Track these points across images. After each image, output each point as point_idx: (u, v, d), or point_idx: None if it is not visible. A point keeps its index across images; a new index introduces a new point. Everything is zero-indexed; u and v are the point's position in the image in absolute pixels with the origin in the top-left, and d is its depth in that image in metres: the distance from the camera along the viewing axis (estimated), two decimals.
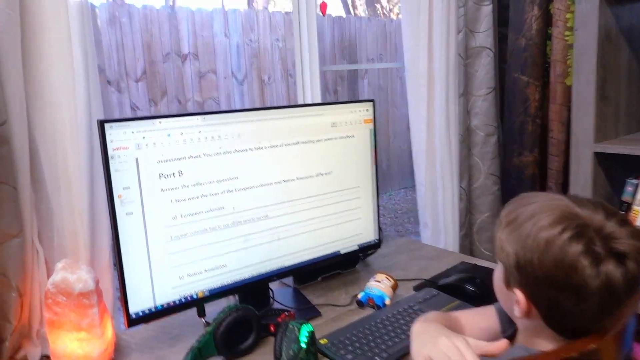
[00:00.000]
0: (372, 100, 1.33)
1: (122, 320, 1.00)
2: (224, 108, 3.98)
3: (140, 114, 3.68)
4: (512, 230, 0.72)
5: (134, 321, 1.00)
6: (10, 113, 0.96)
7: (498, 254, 0.75)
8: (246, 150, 1.11)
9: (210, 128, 1.05)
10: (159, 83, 3.77)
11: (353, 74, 4.90)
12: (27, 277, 1.02)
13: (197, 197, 1.05)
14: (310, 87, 1.67)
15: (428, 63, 1.69)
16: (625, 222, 0.68)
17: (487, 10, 1.74)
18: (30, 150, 1.01)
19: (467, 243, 1.96)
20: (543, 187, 1.75)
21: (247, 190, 1.12)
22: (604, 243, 0.65)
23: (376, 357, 0.98)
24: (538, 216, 0.70)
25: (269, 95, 4.35)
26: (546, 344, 0.74)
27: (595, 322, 0.69)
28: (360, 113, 1.30)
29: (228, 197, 1.09)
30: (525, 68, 1.66)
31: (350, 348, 1.01)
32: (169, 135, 1.00)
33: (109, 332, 1.01)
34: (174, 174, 1.02)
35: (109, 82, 3.55)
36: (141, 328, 1.17)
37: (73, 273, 0.96)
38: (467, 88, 1.81)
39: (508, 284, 0.75)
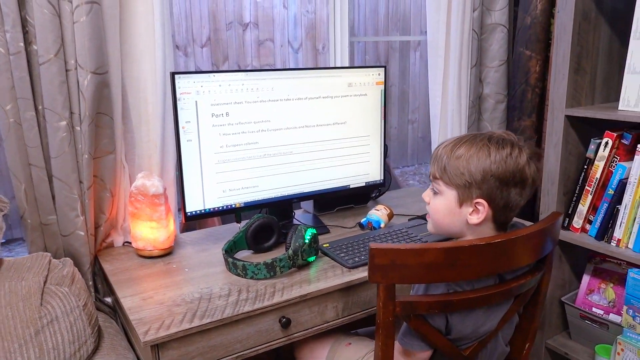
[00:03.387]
0: (384, 66, 1.63)
1: (180, 226, 1.39)
2: None
3: None
4: (469, 158, 1.02)
5: (189, 217, 1.39)
6: (110, 65, 1.34)
7: (456, 179, 1.04)
8: (278, 100, 1.45)
9: (251, 82, 1.40)
10: (221, 49, 4.16)
11: (405, 46, 5.10)
12: (117, 183, 1.42)
13: (239, 133, 1.41)
14: (340, 56, 1.97)
15: (446, 36, 1.95)
16: (522, 139, 1.06)
17: None
18: (122, 94, 1.39)
19: None
20: (538, 147, 1.99)
21: (276, 131, 1.46)
22: (527, 152, 1.02)
23: (362, 256, 1.32)
24: (486, 144, 1.02)
25: (322, 63, 4.65)
26: None
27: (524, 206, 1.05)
28: (373, 76, 1.61)
29: (262, 135, 1.44)
30: (529, 43, 1.88)
31: (345, 250, 1.36)
32: (220, 85, 1.36)
33: (172, 225, 1.40)
34: (222, 114, 1.38)
35: (177, 47, 3.98)
36: (193, 232, 1.57)
37: (149, 180, 1.35)
38: (481, 60, 2.05)
39: (463, 203, 1.04)
